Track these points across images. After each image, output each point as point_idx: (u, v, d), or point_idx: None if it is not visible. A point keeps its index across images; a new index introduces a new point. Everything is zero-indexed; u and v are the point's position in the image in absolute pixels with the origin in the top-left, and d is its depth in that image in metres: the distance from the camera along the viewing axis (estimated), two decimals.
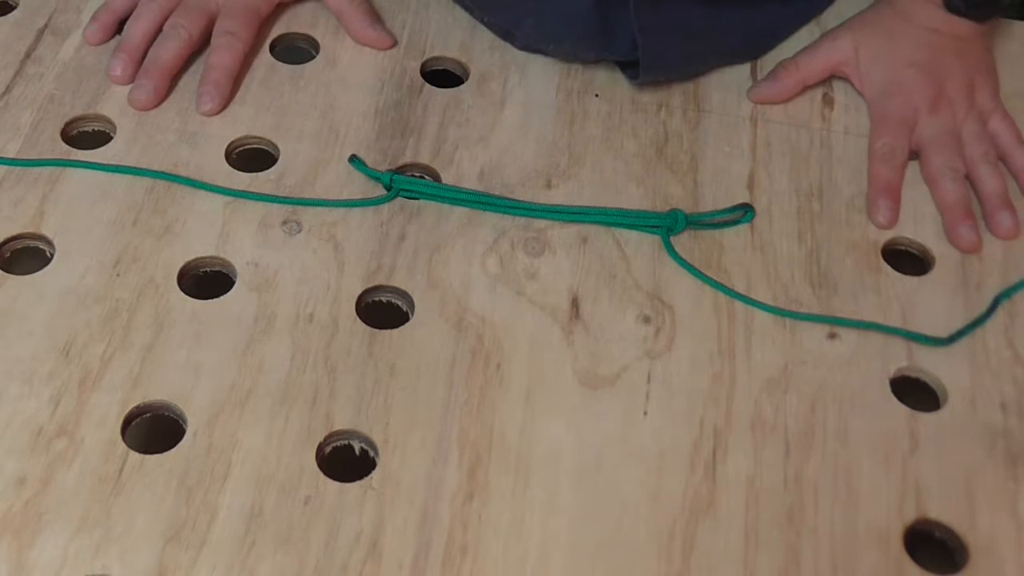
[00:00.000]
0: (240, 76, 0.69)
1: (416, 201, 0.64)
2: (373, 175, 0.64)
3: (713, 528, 0.52)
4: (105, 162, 0.64)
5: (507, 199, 0.64)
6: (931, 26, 0.68)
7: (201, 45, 0.70)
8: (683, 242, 0.63)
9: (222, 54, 0.69)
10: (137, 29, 0.69)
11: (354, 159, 0.65)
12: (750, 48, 0.73)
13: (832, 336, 0.59)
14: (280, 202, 0.63)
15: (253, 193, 0.63)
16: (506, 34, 0.73)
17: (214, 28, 0.70)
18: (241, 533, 0.51)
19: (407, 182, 0.63)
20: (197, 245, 0.61)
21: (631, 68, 0.70)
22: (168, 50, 0.68)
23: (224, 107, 0.68)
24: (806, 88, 0.70)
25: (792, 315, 0.59)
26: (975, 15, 0.68)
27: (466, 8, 0.74)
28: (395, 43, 0.72)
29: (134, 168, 0.64)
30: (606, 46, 0.69)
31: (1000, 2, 0.68)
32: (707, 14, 0.70)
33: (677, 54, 0.69)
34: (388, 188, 0.63)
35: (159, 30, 0.70)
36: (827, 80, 0.71)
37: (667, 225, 0.62)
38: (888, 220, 0.64)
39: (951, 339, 0.59)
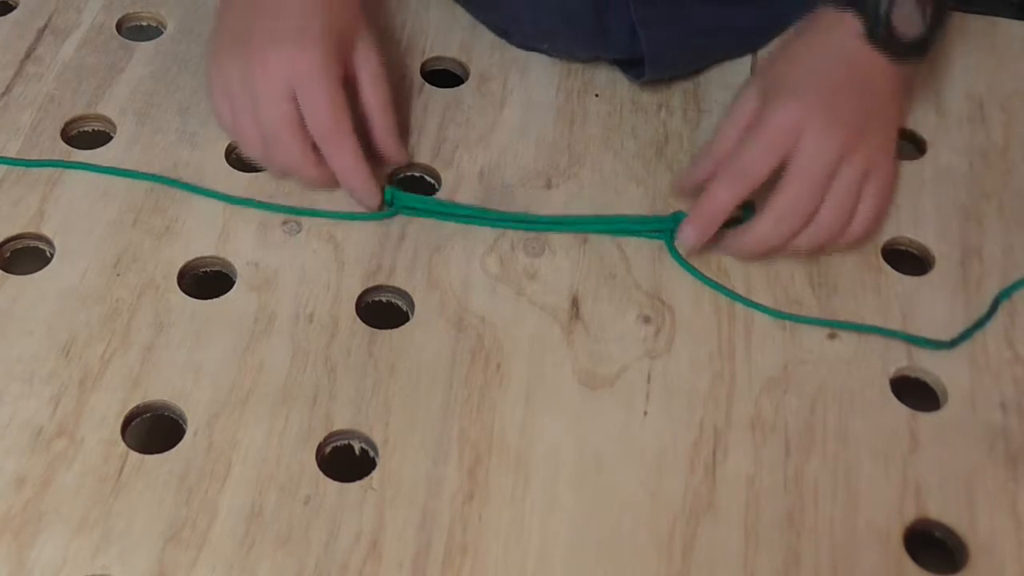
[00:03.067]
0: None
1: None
2: None
3: (713, 528, 0.52)
4: (105, 162, 0.64)
5: (509, 214, 0.63)
6: (844, 53, 0.61)
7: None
8: None
9: (341, 160, 0.61)
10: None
11: None
12: (755, 41, 0.73)
13: (832, 336, 0.59)
14: (278, 211, 0.63)
15: (251, 200, 0.63)
16: (502, 32, 0.73)
17: (309, 130, 0.61)
18: (241, 533, 0.51)
19: (409, 199, 0.63)
20: (197, 245, 0.61)
21: (633, 69, 0.70)
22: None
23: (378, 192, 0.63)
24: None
25: (792, 318, 0.59)
26: (896, 51, 0.61)
27: (464, 5, 0.74)
28: (409, 161, 0.66)
29: (134, 172, 0.64)
30: (601, 44, 0.69)
31: (926, 45, 0.62)
32: (708, 8, 0.70)
33: (680, 49, 0.69)
34: (389, 204, 0.63)
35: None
36: None
37: (670, 228, 0.62)
38: (691, 242, 0.60)
39: (954, 342, 0.59)
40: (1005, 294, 0.61)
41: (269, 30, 0.61)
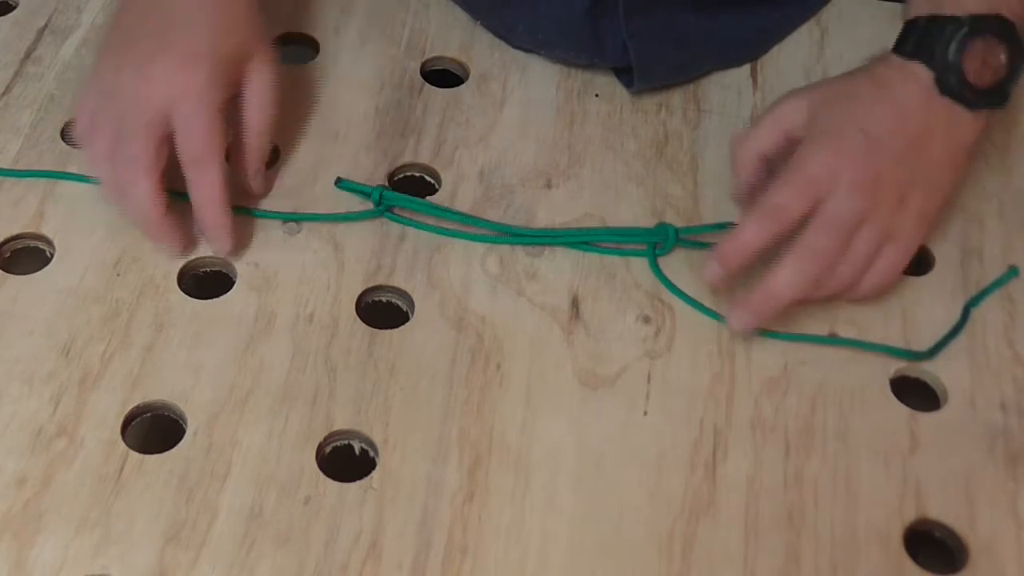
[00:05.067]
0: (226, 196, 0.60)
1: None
2: (361, 191, 0.63)
3: (713, 528, 0.52)
4: None
5: (494, 224, 0.62)
6: (905, 110, 0.58)
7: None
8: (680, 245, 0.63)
9: (202, 189, 0.59)
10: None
11: (340, 182, 0.64)
12: (747, 51, 0.73)
13: (832, 336, 0.59)
14: (271, 216, 0.62)
15: (245, 208, 0.62)
16: (500, 36, 0.73)
17: (177, 149, 0.58)
18: (241, 533, 0.51)
19: (397, 199, 0.62)
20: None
21: (627, 74, 0.70)
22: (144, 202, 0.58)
23: (235, 238, 0.60)
24: (766, 159, 0.61)
25: (784, 336, 0.59)
26: (970, 99, 0.58)
27: (463, 9, 0.74)
28: (266, 193, 0.63)
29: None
30: (597, 53, 0.69)
31: (1004, 91, 0.58)
32: (699, 19, 0.70)
33: (671, 60, 0.69)
34: (377, 204, 0.62)
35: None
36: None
37: (653, 243, 0.62)
38: (714, 277, 0.58)
39: (931, 352, 0.58)
40: (975, 302, 0.60)
41: (159, 38, 0.58)
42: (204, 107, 0.57)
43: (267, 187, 0.63)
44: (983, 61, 0.57)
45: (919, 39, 0.58)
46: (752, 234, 0.56)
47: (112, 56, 0.60)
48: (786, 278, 0.56)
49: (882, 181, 0.56)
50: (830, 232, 0.56)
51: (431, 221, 0.62)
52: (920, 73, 0.58)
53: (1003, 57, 0.58)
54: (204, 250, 0.61)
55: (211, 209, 0.59)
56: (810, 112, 0.59)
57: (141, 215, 0.59)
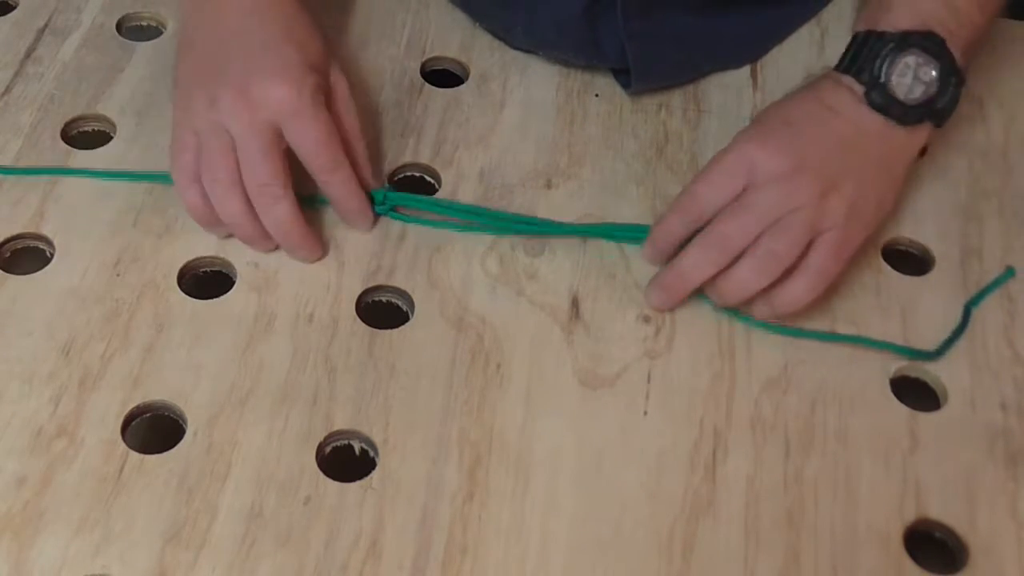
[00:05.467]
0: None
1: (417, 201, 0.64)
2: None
3: (713, 528, 0.52)
4: (105, 162, 0.64)
5: (499, 213, 0.63)
6: (834, 106, 0.58)
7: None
8: None
9: (340, 187, 0.60)
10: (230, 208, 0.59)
11: None
12: (746, 53, 0.73)
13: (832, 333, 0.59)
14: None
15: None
16: (499, 37, 0.73)
17: (303, 162, 0.59)
18: (241, 533, 0.51)
19: (401, 199, 0.62)
20: (197, 245, 0.61)
21: (625, 75, 0.70)
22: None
23: (322, 249, 0.61)
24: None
25: (788, 331, 0.59)
26: (898, 114, 0.58)
27: (462, 10, 0.74)
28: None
29: (128, 173, 0.64)
30: (595, 54, 0.69)
31: (934, 107, 0.58)
32: (697, 21, 0.70)
33: (668, 62, 0.69)
34: (382, 203, 0.62)
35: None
36: None
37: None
38: (659, 303, 0.59)
39: (938, 352, 0.58)
40: (974, 302, 0.61)
41: (246, 62, 0.59)
42: (313, 118, 0.58)
43: (378, 180, 0.64)
44: (914, 77, 0.58)
45: (855, 55, 0.59)
46: (675, 228, 0.59)
47: (198, 91, 0.59)
48: (691, 259, 0.57)
49: (804, 170, 0.56)
50: (738, 217, 0.56)
51: (436, 217, 0.63)
52: (854, 87, 0.59)
53: (934, 73, 0.58)
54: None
55: (354, 200, 0.61)
56: (760, 148, 0.58)
57: (285, 232, 0.59)
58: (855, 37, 0.60)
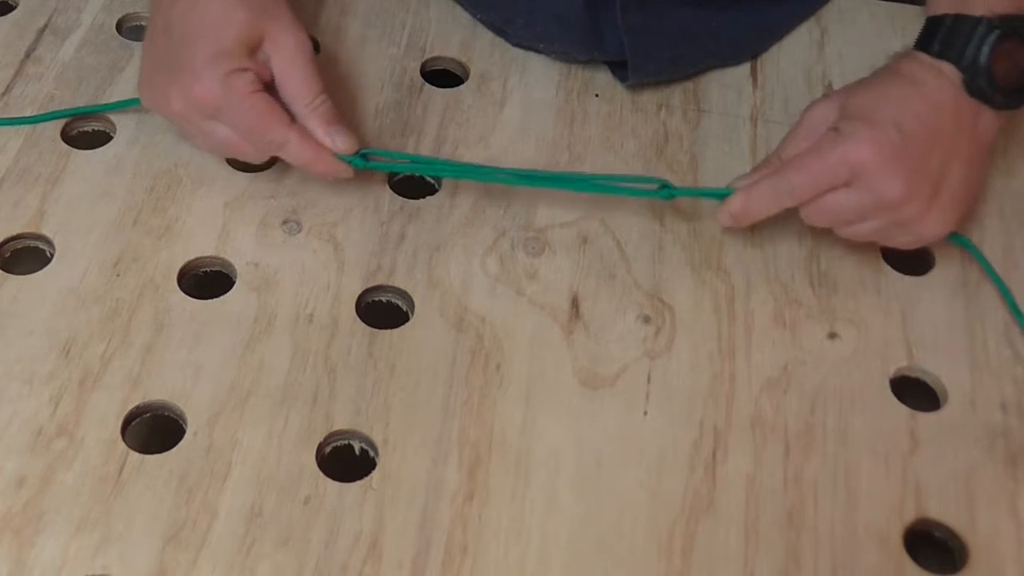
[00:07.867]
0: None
1: (416, 201, 0.64)
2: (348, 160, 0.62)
3: (713, 528, 0.52)
4: (105, 162, 0.64)
5: (485, 167, 0.63)
6: (937, 101, 0.58)
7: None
8: (683, 240, 0.63)
9: (286, 153, 0.61)
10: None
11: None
12: (745, 48, 0.73)
13: (832, 336, 0.59)
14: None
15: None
16: (499, 31, 0.73)
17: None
18: (241, 533, 0.51)
19: (378, 153, 0.63)
20: (197, 245, 0.61)
21: (622, 69, 0.70)
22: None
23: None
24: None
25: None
26: (996, 101, 0.57)
27: (461, 3, 0.74)
28: (356, 150, 0.61)
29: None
30: (596, 46, 0.69)
31: None
32: (696, 15, 0.70)
33: (666, 55, 0.69)
34: (365, 159, 0.61)
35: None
36: (828, 84, 0.71)
37: (662, 183, 0.61)
38: (733, 210, 0.59)
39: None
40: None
41: (169, 63, 0.60)
42: (233, 108, 0.58)
43: (350, 141, 0.61)
44: (1012, 63, 0.57)
45: (946, 38, 0.58)
46: (767, 202, 0.58)
47: (147, 90, 0.62)
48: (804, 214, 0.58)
49: (914, 197, 0.56)
50: (842, 212, 0.58)
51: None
52: (949, 73, 0.58)
53: None
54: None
55: (319, 164, 0.60)
56: (840, 110, 0.59)
57: (305, 163, 0.60)
58: (941, 19, 0.59)
